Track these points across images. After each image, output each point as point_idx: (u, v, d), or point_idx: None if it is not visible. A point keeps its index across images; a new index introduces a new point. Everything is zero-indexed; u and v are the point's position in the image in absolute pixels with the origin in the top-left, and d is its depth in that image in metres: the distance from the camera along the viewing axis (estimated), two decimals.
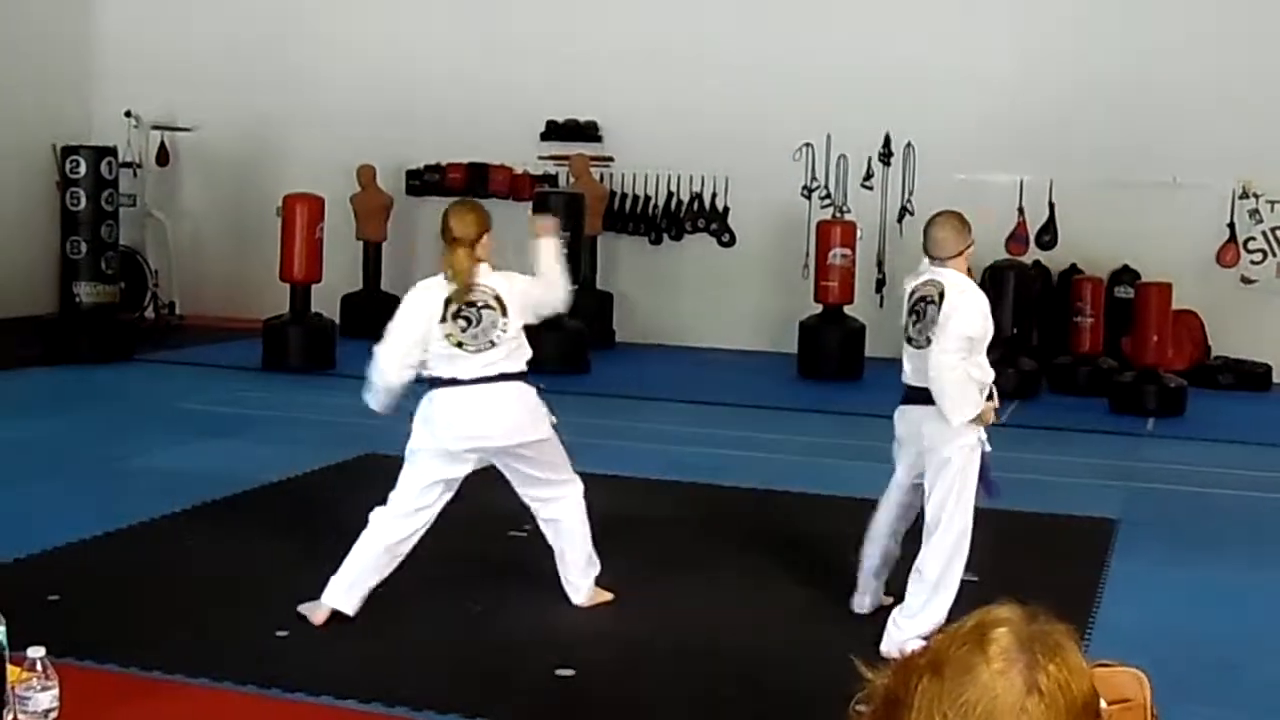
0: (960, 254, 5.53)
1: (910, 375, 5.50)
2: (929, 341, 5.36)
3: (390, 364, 5.49)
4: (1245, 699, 5.12)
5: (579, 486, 5.86)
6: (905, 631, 5.30)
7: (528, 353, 5.63)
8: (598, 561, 5.92)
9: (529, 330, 5.70)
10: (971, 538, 5.47)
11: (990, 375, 5.49)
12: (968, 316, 5.36)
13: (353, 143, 14.60)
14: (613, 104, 14.31)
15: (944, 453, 5.37)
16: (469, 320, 5.46)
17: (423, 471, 5.51)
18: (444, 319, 5.45)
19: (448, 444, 5.49)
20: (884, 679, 1.56)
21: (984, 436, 5.46)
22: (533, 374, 5.70)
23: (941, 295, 5.39)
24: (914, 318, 5.50)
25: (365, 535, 5.51)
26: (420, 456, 5.52)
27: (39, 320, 12.96)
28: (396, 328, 5.52)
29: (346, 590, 5.47)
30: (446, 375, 5.50)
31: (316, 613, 5.45)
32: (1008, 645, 1.50)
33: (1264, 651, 5.63)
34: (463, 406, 5.49)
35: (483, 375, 5.48)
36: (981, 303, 5.47)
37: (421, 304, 5.51)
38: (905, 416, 5.58)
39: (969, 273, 5.63)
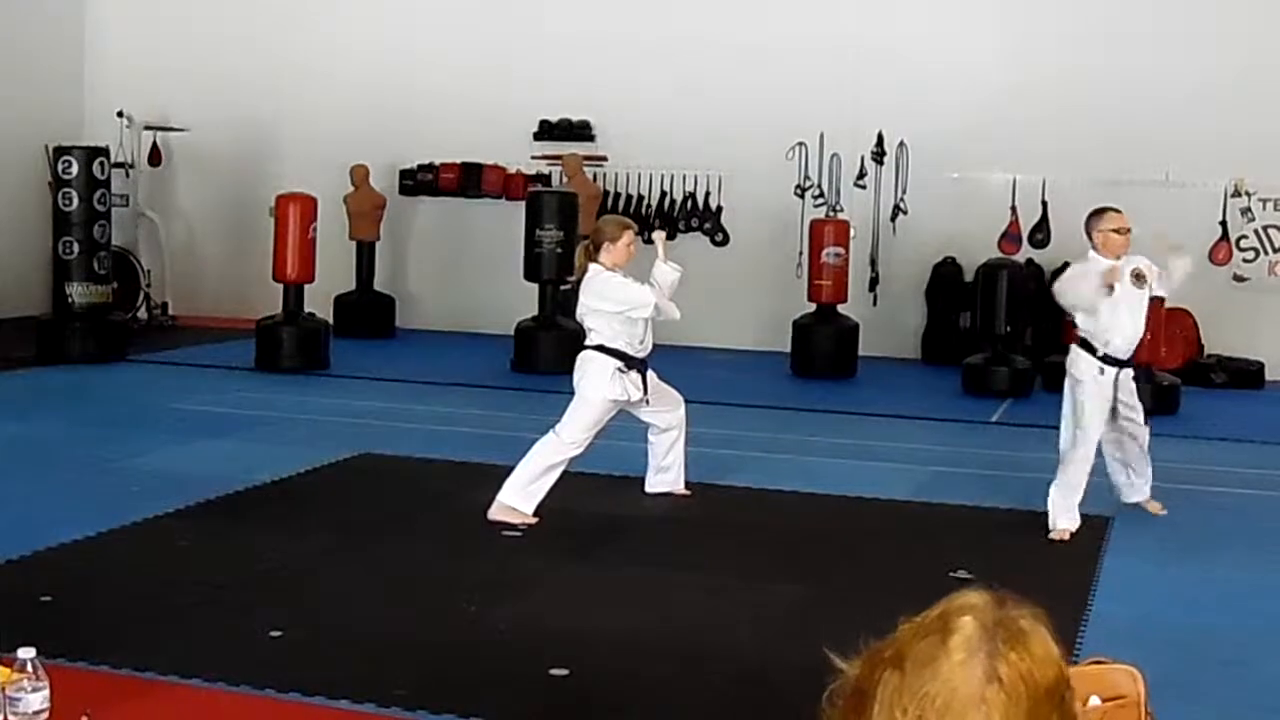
0: None
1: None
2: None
3: None
4: (1239, 696, 5.12)
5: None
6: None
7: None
8: None
9: None
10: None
11: None
12: None
13: (346, 142, 14.58)
14: (606, 103, 14.31)
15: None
16: None
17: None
18: None
19: None
20: (853, 671, 1.55)
21: None
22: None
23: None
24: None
25: None
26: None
27: (32, 321, 12.94)
28: None
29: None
30: None
31: None
32: (970, 634, 1.48)
33: (1258, 649, 5.63)
34: None
35: None
36: None
37: None
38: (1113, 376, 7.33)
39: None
